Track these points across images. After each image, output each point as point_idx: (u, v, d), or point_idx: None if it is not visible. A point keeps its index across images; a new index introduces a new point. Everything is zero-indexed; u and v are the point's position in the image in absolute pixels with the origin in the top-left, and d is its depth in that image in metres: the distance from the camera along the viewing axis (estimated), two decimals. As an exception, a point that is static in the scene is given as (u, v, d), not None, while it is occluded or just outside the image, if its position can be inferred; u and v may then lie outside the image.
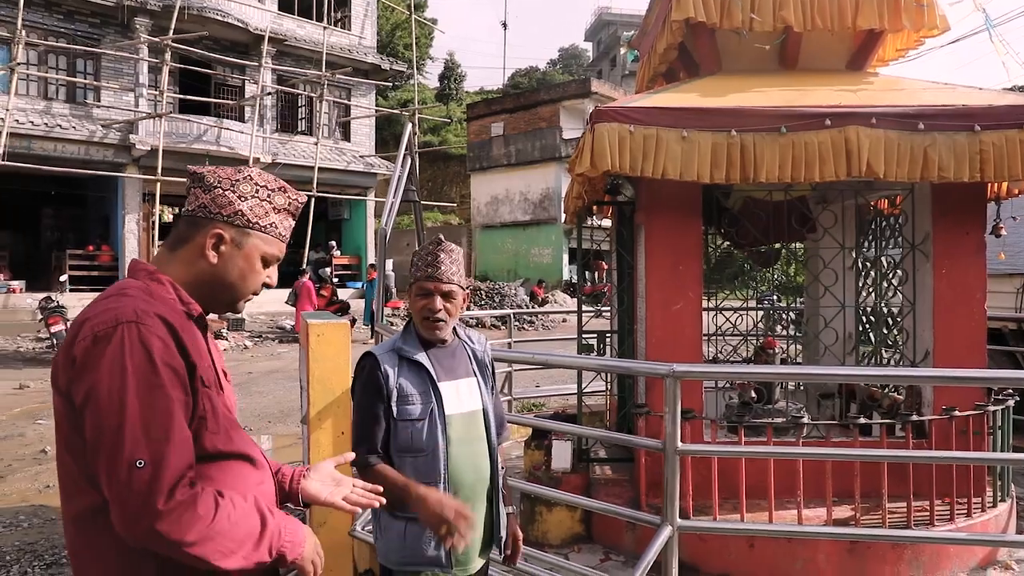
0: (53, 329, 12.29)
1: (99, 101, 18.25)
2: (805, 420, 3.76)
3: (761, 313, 7.12)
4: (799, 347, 6.07)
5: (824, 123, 3.70)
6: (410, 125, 5.41)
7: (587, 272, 24.69)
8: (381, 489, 1.78)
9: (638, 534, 4.03)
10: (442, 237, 2.35)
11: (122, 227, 18.51)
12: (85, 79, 18.25)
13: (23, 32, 15.90)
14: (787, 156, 3.70)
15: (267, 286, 1.56)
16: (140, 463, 1.21)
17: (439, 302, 2.28)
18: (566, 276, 27.69)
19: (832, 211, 4.65)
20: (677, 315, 4.16)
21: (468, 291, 2.40)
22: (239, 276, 1.48)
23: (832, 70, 4.57)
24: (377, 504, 1.74)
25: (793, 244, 6.30)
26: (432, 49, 51.03)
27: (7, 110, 15.51)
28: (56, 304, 12.79)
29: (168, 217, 19.29)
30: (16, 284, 17.48)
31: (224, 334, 15.86)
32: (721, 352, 6.18)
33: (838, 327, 4.50)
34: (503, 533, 2.38)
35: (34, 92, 17.63)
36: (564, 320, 19.79)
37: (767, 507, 3.63)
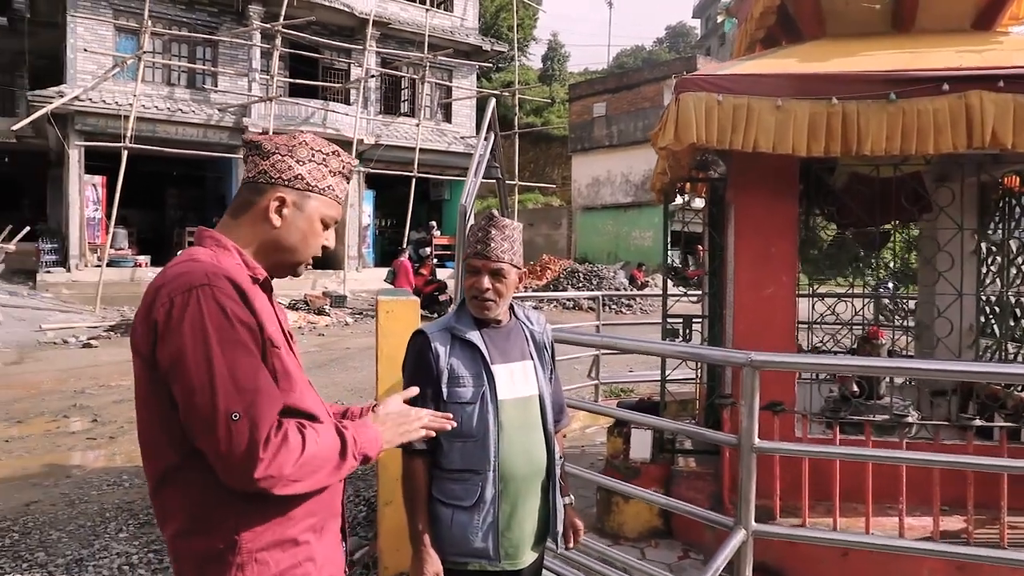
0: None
1: (216, 86, 19.21)
2: (911, 419, 3.40)
3: (868, 301, 6.60)
4: (910, 338, 5.57)
5: (941, 88, 3.29)
6: (493, 101, 5.28)
7: (688, 255, 23.98)
8: (451, 415, 1.82)
9: (720, 532, 3.79)
10: (495, 212, 2.22)
11: (236, 207, 19.45)
12: (204, 65, 19.25)
13: (149, 22, 16.90)
14: (896, 126, 3.32)
15: (325, 248, 1.61)
16: (235, 415, 1.29)
17: (487, 281, 2.15)
18: (668, 258, 27.01)
19: (950, 188, 4.18)
20: (768, 300, 3.86)
21: (523, 270, 2.26)
22: (301, 238, 1.54)
23: (954, 30, 4.08)
24: (449, 427, 1.82)
25: (904, 226, 5.77)
26: (536, 30, 50.76)
27: (135, 96, 16.55)
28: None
29: (278, 197, 20.11)
30: (142, 259, 18.73)
31: (327, 310, 16.43)
32: (823, 342, 5.76)
33: (954, 317, 4.06)
34: (559, 527, 2.25)
35: (159, 79, 18.74)
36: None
37: (865, 511, 3.32)
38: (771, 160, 3.65)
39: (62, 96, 16.41)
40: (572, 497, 2.43)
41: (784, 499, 3.52)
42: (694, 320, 4.84)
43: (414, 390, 1.86)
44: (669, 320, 4.76)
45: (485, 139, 5.18)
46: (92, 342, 11.94)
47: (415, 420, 1.71)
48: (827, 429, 4.14)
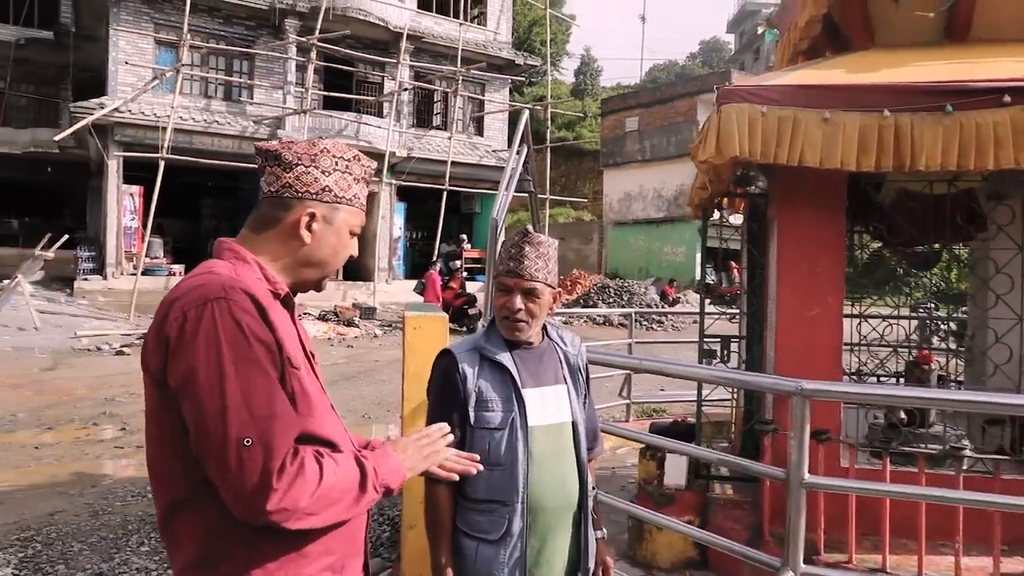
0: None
1: (252, 99, 19.45)
2: (967, 452, 3.19)
3: (914, 323, 6.33)
4: (960, 363, 5.31)
5: (1002, 100, 3.09)
6: (527, 113, 5.18)
7: (720, 272, 23.62)
8: (478, 457, 1.68)
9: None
10: (530, 228, 2.10)
11: (269, 217, 19.62)
12: (240, 78, 19.52)
13: (188, 36, 17.18)
14: (953, 140, 3.13)
15: (351, 257, 1.56)
16: (248, 442, 1.21)
17: (519, 301, 2.02)
18: (699, 276, 26.64)
19: (1009, 206, 3.96)
20: (812, 322, 3.67)
21: (558, 290, 2.13)
22: (331, 252, 1.49)
23: (1012, 40, 3.88)
24: (474, 471, 1.65)
25: (957, 245, 5.52)
26: (569, 44, 50.83)
27: (173, 108, 16.81)
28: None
29: (310, 209, 20.26)
30: (177, 268, 18.95)
31: (356, 322, 16.43)
32: (866, 364, 5.52)
33: (1013, 343, 3.83)
34: (591, 563, 2.10)
35: (196, 91, 19.03)
36: (695, 321, 18.97)
37: (916, 549, 3.11)
38: (817, 175, 3.48)
39: (103, 108, 16.73)
40: (605, 531, 2.27)
41: (827, 531, 3.32)
42: (732, 340, 4.66)
43: (439, 428, 1.68)
44: (707, 340, 4.58)
45: (517, 152, 5.07)
46: (125, 349, 12.05)
47: (439, 442, 1.60)
48: (872, 457, 3.93)
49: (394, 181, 20.67)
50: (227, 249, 1.43)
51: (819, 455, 3.23)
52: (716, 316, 5.03)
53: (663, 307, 21.43)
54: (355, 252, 1.56)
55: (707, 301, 5.21)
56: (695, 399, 4.75)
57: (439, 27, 22.50)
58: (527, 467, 1.99)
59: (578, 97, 43.48)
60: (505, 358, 2.05)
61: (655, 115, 28.85)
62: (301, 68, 19.36)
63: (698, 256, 26.69)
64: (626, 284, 22.19)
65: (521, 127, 5.13)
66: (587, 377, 2.24)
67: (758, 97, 3.32)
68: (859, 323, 5.54)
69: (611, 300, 20.83)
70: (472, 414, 2.01)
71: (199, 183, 21.41)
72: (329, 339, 14.57)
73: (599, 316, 18.02)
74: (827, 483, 2.34)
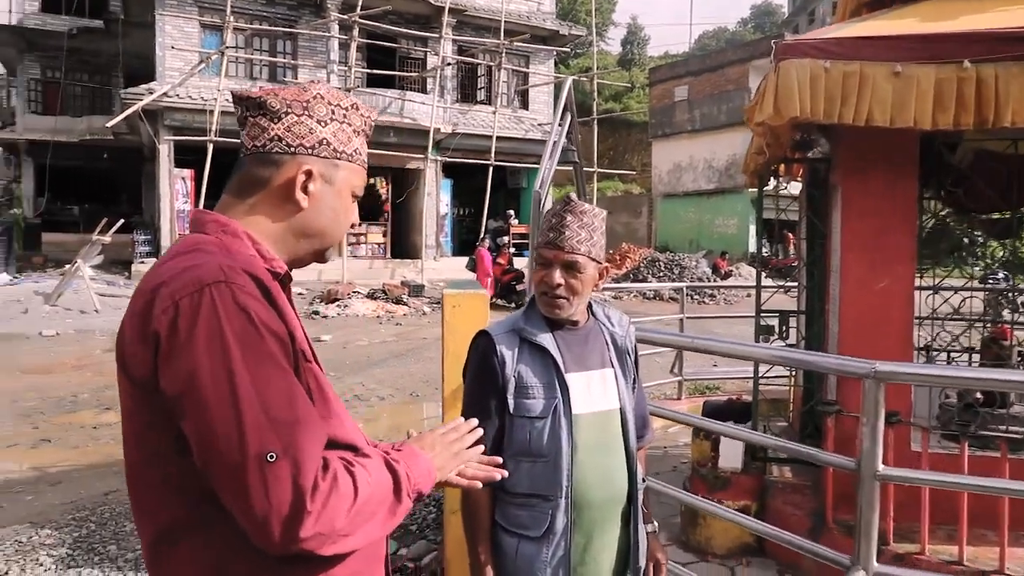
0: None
1: (296, 78, 19.51)
2: (1055, 434, 2.92)
3: (986, 296, 5.93)
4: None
5: (1103, 44, 2.77)
6: (570, 81, 4.95)
7: (775, 244, 22.96)
8: (500, 460, 1.44)
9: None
10: (573, 196, 1.91)
11: (317, 197, 19.75)
12: (284, 58, 19.59)
13: (232, 18, 17.28)
14: (1045, 92, 2.82)
15: (352, 224, 1.32)
16: (272, 456, 0.98)
17: (558, 275, 1.84)
18: (752, 248, 25.95)
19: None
20: (881, 296, 3.40)
21: (605, 265, 1.94)
22: (333, 218, 1.26)
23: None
24: (498, 477, 1.41)
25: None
26: (615, 14, 49.79)
27: (219, 90, 16.96)
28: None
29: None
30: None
31: (404, 299, 16.46)
32: (937, 339, 5.19)
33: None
34: (642, 561, 1.94)
35: (241, 73, 19.18)
36: (748, 295, 18.50)
37: (997, 540, 2.87)
38: (887, 135, 3.20)
39: (152, 93, 16.99)
40: (656, 524, 2.11)
41: (896, 518, 3.09)
42: (790, 315, 4.41)
43: (465, 424, 1.45)
44: (764, 315, 4.33)
45: (560, 122, 4.86)
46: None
47: (468, 438, 1.38)
48: (944, 439, 3.67)
49: (439, 157, 20.56)
50: (211, 221, 1.19)
51: (889, 439, 2.99)
52: (774, 289, 4.76)
53: (715, 280, 20.98)
54: (356, 218, 1.32)
55: (762, 274, 4.94)
56: (751, 376, 4.52)
57: (481, -1, 22.19)
58: (571, 459, 1.83)
59: (625, 68, 42.64)
60: (546, 340, 1.89)
61: (705, 83, 28.07)
62: (344, 46, 19.33)
63: (752, 227, 25.99)
64: (676, 257, 21.75)
65: (564, 96, 4.91)
66: (636, 359, 2.06)
67: (820, 51, 3.04)
68: (928, 296, 5.20)
69: (661, 274, 20.45)
70: (511, 401, 1.86)
71: (248, 165, 21.66)
72: (378, 317, 14.63)
73: (650, 291, 17.70)
74: (903, 475, 2.12)
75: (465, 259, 17.17)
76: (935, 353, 5.08)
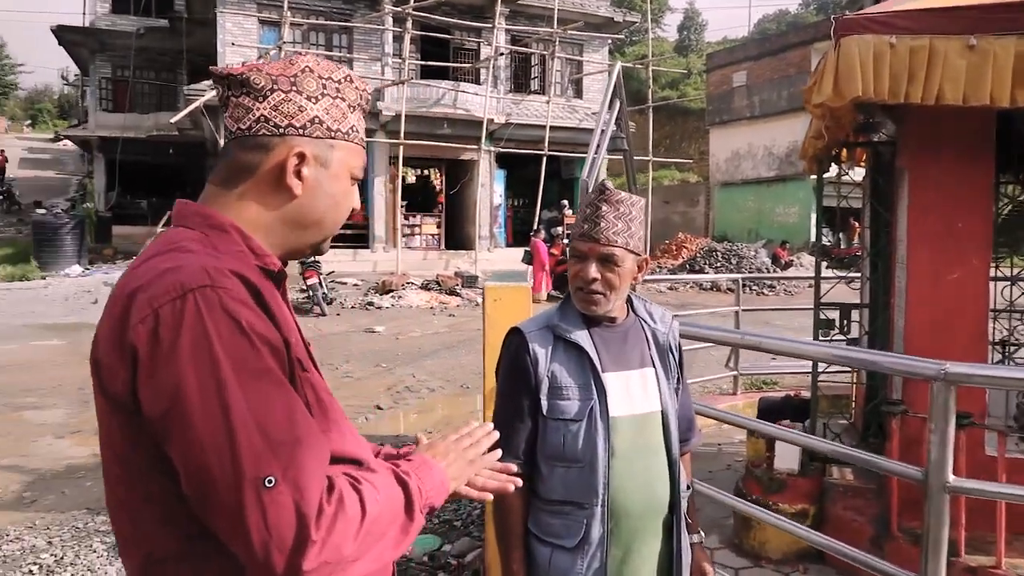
0: (309, 282, 13.52)
1: (352, 71, 19.70)
2: None
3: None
4: None
5: None
6: (619, 67, 4.80)
7: (838, 233, 22.19)
8: (514, 468, 1.31)
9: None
10: (609, 185, 1.78)
11: (371, 188, 19.95)
12: (340, 52, 19.80)
13: (289, 13, 17.54)
14: None
15: (353, 210, 1.20)
16: (270, 481, 0.88)
17: (594, 269, 1.73)
18: (814, 237, 25.13)
19: None
20: (953, 288, 3.17)
21: (644, 257, 1.82)
22: (331, 205, 1.13)
23: None
24: (511, 488, 1.29)
25: None
26: (671, 0, 48.81)
27: (277, 85, 17.26)
28: (313, 259, 14.01)
29: (411, 179, 20.49)
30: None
31: (458, 290, 16.49)
32: (1015, 333, 4.85)
33: None
34: (685, 574, 1.81)
35: (299, 67, 19.46)
36: (810, 286, 17.87)
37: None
38: (960, 115, 2.96)
39: (213, 89, 17.37)
40: (702, 534, 1.98)
41: (968, 527, 2.87)
42: (852, 309, 4.17)
43: (480, 429, 1.32)
44: (824, 308, 4.11)
45: (609, 109, 4.72)
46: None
47: (484, 443, 1.25)
48: (1021, 441, 3.41)
49: (493, 148, 20.51)
50: (195, 213, 1.07)
51: (960, 442, 2.77)
52: (835, 281, 4.51)
53: (775, 271, 20.39)
54: (358, 204, 1.20)
55: (823, 264, 4.70)
56: (810, 370, 4.30)
57: (535, -12, 21.98)
58: (607, 464, 1.72)
59: (682, 54, 41.81)
60: (582, 337, 1.78)
61: (764, 68, 27.24)
62: (398, 39, 19.42)
63: (813, 216, 25.16)
64: (735, 247, 21.22)
65: (612, 82, 4.77)
66: (680, 358, 1.93)
67: (885, 25, 2.83)
68: (1005, 287, 4.87)
69: (718, 264, 19.99)
70: (545, 403, 1.76)
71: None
72: (431, 308, 14.69)
73: (706, 282, 17.30)
74: (977, 488, 1.93)
75: (519, 250, 17.10)
76: (1013, 348, 4.75)
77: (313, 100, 1.09)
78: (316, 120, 1.09)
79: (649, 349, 1.84)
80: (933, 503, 1.84)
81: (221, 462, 0.88)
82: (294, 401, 0.96)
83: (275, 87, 1.08)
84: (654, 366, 1.82)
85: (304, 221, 1.12)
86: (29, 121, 57.04)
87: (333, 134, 1.11)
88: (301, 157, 1.08)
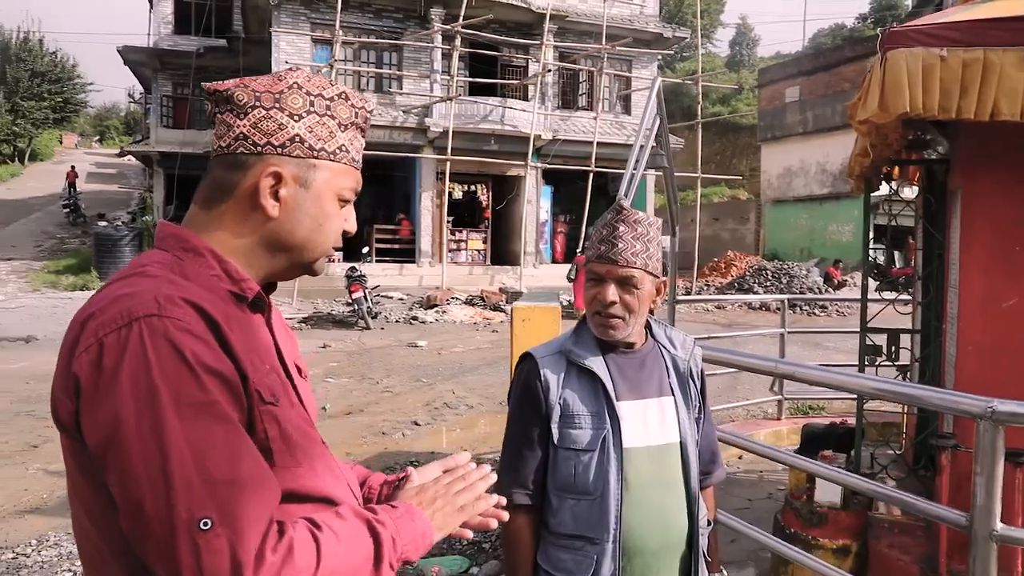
0: (354, 296, 13.65)
1: (401, 89, 19.99)
2: None
3: None
4: None
5: None
6: (659, 82, 4.70)
7: (892, 251, 21.49)
8: (504, 502, 1.22)
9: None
10: (625, 204, 1.71)
11: (419, 204, 20.15)
12: (390, 69, 20.12)
13: (341, 32, 17.91)
14: None
15: (345, 233, 1.14)
16: (206, 524, 0.84)
17: (612, 291, 1.66)
18: (869, 256, 24.37)
19: None
20: (1009, 315, 2.97)
21: (663, 279, 1.74)
22: (312, 227, 1.07)
23: None
24: (494, 525, 1.21)
25: None
26: (723, 15, 48.40)
27: (328, 102, 17.60)
28: (359, 273, 14.16)
29: (458, 194, 20.61)
30: (336, 254, 19.95)
31: (502, 306, 16.47)
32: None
33: None
34: (704, 616, 1.71)
35: (349, 85, 19.80)
36: (864, 306, 17.32)
37: None
38: (1017, 131, 2.79)
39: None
40: (725, 573, 1.87)
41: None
42: (902, 334, 3.97)
43: (462, 457, 1.26)
44: (871, 333, 3.92)
45: (648, 127, 4.62)
46: (298, 326, 12.77)
47: (479, 486, 1.16)
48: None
49: (540, 164, 20.51)
50: (170, 235, 1.04)
51: (1015, 481, 2.58)
52: (885, 304, 4.31)
53: (827, 290, 19.82)
54: (351, 226, 1.13)
55: (874, 285, 4.49)
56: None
57: (583, 5, 21.97)
58: (620, 498, 1.63)
59: (733, 69, 41.31)
60: (596, 363, 1.70)
61: (818, 83, 26.68)
62: (447, 56, 19.62)
63: (869, 235, 24.41)
64: (785, 266, 20.71)
65: (652, 97, 4.67)
66: (703, 386, 1.84)
67: (935, 38, 2.68)
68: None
69: (768, 283, 19.52)
70: (556, 431, 1.68)
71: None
72: (475, 323, 14.70)
73: (754, 301, 16.91)
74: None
75: (565, 267, 17.01)
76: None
77: (296, 118, 1.05)
78: (297, 138, 1.05)
79: (668, 377, 1.75)
80: (979, 551, 1.69)
81: (155, 500, 0.84)
82: (239, 440, 0.90)
83: (257, 104, 1.04)
84: (673, 395, 1.73)
85: (283, 244, 1.07)
86: (98, 137, 59.55)
87: (316, 153, 1.06)
88: (277, 177, 1.04)
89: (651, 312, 1.75)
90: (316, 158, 1.06)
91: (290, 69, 1.11)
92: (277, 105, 1.04)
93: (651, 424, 1.70)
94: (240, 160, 1.04)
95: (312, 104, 1.06)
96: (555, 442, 1.68)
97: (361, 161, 1.15)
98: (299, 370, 1.15)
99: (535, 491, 1.70)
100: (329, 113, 1.07)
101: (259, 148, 1.04)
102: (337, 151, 1.08)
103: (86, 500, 0.95)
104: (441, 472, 1.21)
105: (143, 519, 0.85)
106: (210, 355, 0.91)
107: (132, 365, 0.87)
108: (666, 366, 1.76)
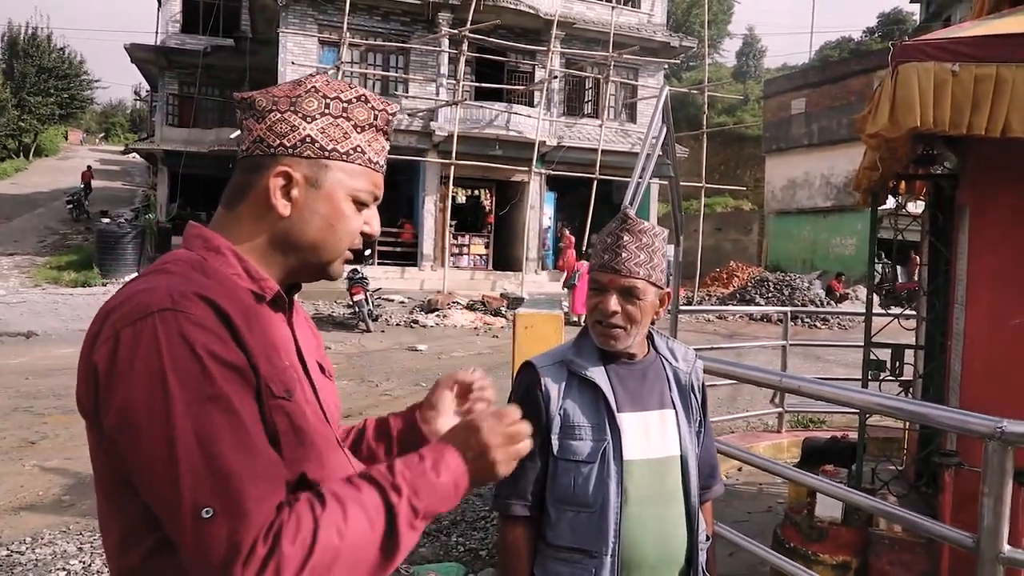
0: (355, 298, 13.63)
1: (407, 92, 20.01)
2: None
3: None
4: None
5: None
6: (666, 89, 4.69)
7: (895, 267, 21.44)
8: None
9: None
10: (630, 214, 1.69)
11: (422, 207, 20.14)
12: (396, 73, 20.15)
13: (348, 34, 17.94)
14: None
15: (366, 237, 1.14)
16: (207, 512, 0.88)
17: (614, 301, 1.63)
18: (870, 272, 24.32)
19: None
20: (1016, 333, 2.94)
21: (666, 291, 1.71)
22: (324, 228, 1.09)
23: None
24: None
25: None
26: (730, 25, 48.52)
27: (333, 104, 17.63)
28: (360, 275, 14.14)
29: (461, 199, 20.61)
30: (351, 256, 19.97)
31: (503, 312, 16.44)
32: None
33: None
34: (703, 632, 1.68)
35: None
36: (863, 321, 17.26)
37: None
38: (1027, 148, 2.76)
39: (272, 106, 17.84)
40: (724, 591, 1.84)
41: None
42: (906, 350, 3.94)
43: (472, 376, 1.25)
44: (875, 348, 3.89)
45: (655, 136, 4.60)
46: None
47: (524, 427, 1.08)
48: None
49: (544, 171, 20.51)
50: (196, 236, 1.09)
51: (1020, 502, 2.55)
52: (889, 318, 4.28)
53: (829, 303, 19.79)
54: (372, 229, 1.14)
55: (876, 300, 4.45)
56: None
57: (591, 12, 22.03)
58: (619, 511, 1.61)
59: (740, 80, 41.37)
60: (597, 374, 1.68)
61: (824, 95, 26.69)
62: (453, 60, 19.66)
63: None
64: (787, 278, 20.67)
65: (659, 104, 4.66)
66: (704, 400, 1.81)
67: (947, 52, 2.66)
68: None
69: (770, 295, 19.46)
70: (555, 442, 1.66)
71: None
72: (475, 328, 14.67)
73: (757, 312, 16.87)
74: (1036, 559, 1.75)
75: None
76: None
77: (309, 119, 1.07)
78: (308, 139, 1.07)
79: (670, 389, 1.73)
80: (985, 574, 1.66)
81: (163, 485, 0.89)
82: (247, 432, 0.92)
83: (274, 107, 1.08)
84: (674, 407, 1.71)
85: (295, 243, 1.09)
86: (103, 134, 59.72)
87: (327, 154, 1.08)
88: (287, 177, 1.07)
89: (653, 323, 1.73)
90: (328, 159, 1.08)
91: (312, 74, 1.14)
92: (292, 108, 1.07)
93: (652, 436, 1.68)
94: (257, 162, 1.08)
95: (327, 106, 1.08)
96: (555, 453, 1.66)
97: (383, 164, 1.15)
98: (322, 369, 1.18)
99: (534, 503, 1.68)
100: (345, 115, 1.09)
101: (273, 149, 1.07)
102: (351, 152, 1.09)
103: (104, 481, 1.00)
104: (452, 390, 1.26)
105: (156, 501, 0.91)
106: (221, 348, 0.94)
107: (145, 356, 0.91)
108: (667, 378, 1.74)
